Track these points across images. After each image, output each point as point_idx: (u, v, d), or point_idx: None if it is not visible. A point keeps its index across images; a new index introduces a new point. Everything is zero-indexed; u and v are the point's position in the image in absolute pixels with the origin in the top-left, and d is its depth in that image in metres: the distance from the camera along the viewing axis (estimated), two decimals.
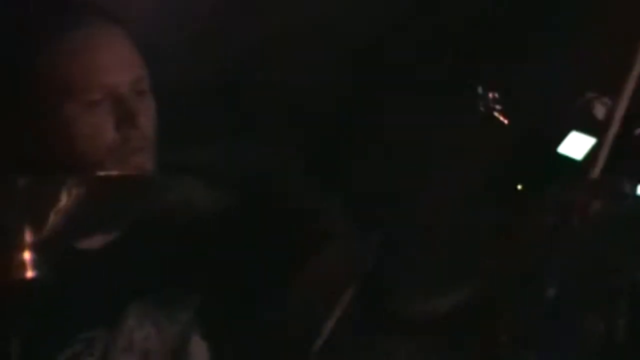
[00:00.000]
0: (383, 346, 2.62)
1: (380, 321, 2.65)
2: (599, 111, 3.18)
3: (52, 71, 2.05)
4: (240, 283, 2.41)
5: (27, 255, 1.66)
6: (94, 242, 2.09)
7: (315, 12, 3.29)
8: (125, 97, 2.07)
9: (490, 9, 3.42)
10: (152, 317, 2.23)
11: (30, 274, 1.66)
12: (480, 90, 3.23)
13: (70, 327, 2.12)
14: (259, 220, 2.52)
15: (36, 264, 1.66)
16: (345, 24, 3.35)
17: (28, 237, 1.66)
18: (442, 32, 3.44)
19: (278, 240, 2.55)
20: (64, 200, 1.71)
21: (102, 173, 2.01)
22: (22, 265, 1.66)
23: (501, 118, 3.23)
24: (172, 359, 2.27)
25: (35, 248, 1.67)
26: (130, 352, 2.20)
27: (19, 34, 2.12)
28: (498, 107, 3.22)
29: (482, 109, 3.22)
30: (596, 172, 2.60)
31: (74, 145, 2.05)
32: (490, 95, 3.22)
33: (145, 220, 2.14)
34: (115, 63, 2.09)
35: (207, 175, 2.34)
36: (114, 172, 2.04)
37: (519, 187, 3.19)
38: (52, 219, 1.69)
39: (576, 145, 3.20)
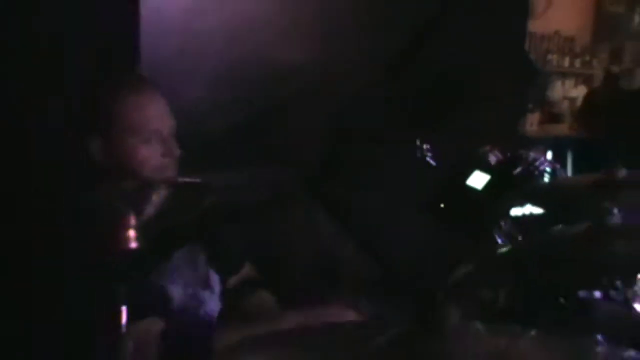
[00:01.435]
0: None
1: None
2: (492, 158, 3.92)
3: (124, 119, 2.48)
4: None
5: (131, 233, 1.84)
6: (175, 221, 2.44)
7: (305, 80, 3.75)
8: (165, 137, 2.53)
9: (428, 91, 4.10)
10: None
11: (133, 245, 1.84)
12: (418, 142, 3.88)
13: (158, 283, 2.55)
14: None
15: (137, 239, 1.85)
16: (327, 89, 3.84)
17: (132, 221, 1.85)
18: (398, 104, 4.08)
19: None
20: (153, 196, 2.10)
21: (177, 180, 2.49)
22: (128, 239, 1.84)
23: (431, 161, 3.87)
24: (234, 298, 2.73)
25: (137, 228, 1.85)
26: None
27: (103, 95, 2.53)
28: (429, 154, 3.87)
29: (419, 154, 3.87)
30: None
31: (136, 164, 2.47)
32: (424, 146, 3.87)
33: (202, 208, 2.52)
34: (159, 116, 2.54)
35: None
36: (183, 180, 2.49)
37: (442, 205, 3.82)
38: (147, 208, 2.04)
39: (478, 180, 3.82)
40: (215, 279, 2.72)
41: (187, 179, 2.48)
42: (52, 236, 2.31)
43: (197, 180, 2.45)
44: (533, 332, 1.77)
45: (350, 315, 2.72)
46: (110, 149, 2.48)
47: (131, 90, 2.54)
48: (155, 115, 2.53)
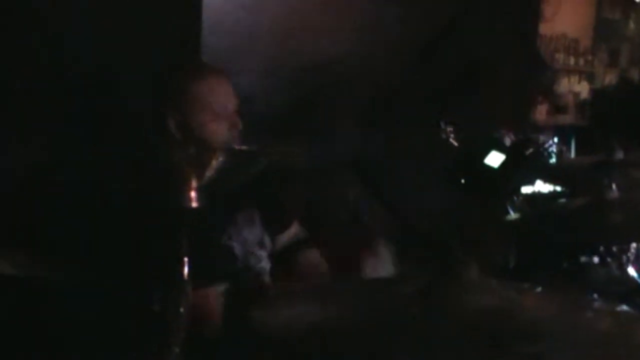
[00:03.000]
0: None
1: None
2: (507, 141, 3.88)
3: (198, 98, 2.50)
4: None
5: (194, 193, 1.82)
6: (232, 184, 2.37)
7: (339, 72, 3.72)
8: (231, 113, 2.54)
9: (452, 81, 4.08)
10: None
11: (195, 204, 1.82)
12: (442, 125, 3.85)
13: (226, 243, 2.56)
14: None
15: (199, 199, 1.82)
16: (362, 77, 3.82)
17: (194, 182, 1.82)
18: (426, 91, 4.03)
19: None
20: (213, 161, 2.01)
21: (234, 147, 2.45)
22: (191, 199, 1.81)
23: (453, 142, 3.84)
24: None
25: (198, 189, 1.83)
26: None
27: (182, 78, 2.54)
28: (452, 135, 3.83)
29: (443, 135, 3.84)
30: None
31: (207, 134, 2.49)
32: (448, 128, 3.83)
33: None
34: (225, 96, 2.55)
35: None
36: (239, 147, 2.48)
37: (462, 181, 3.74)
38: (207, 172, 1.96)
39: (494, 159, 3.74)
40: (267, 239, 2.71)
41: (243, 147, 2.49)
42: (132, 192, 2.33)
43: (252, 148, 2.45)
44: (539, 289, 1.76)
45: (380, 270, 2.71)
46: (185, 125, 2.49)
47: (202, 75, 2.56)
48: (222, 95, 2.54)
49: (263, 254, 2.69)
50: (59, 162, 2.75)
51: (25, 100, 2.87)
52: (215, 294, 2.38)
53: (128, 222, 2.29)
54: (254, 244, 2.66)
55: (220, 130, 2.51)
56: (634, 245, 2.73)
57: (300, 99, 3.65)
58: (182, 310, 1.80)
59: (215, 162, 2.01)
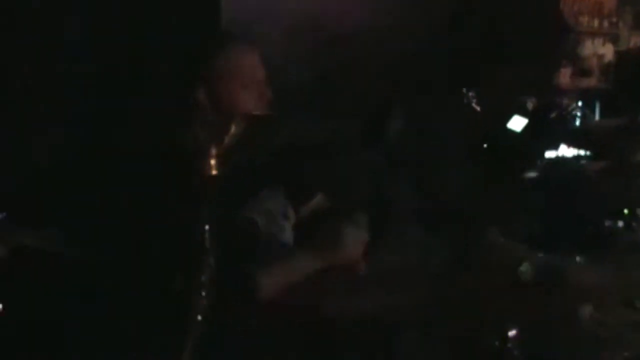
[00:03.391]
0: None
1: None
2: (529, 105, 3.94)
3: (228, 68, 2.51)
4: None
5: (212, 161, 1.83)
6: (252, 151, 2.35)
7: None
8: (260, 83, 2.55)
9: (475, 46, 4.02)
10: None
11: (215, 172, 1.83)
12: (464, 90, 3.88)
13: (247, 215, 2.53)
14: None
15: (217, 167, 1.83)
16: (386, 48, 3.81)
17: (214, 150, 1.84)
18: (445, 55, 4.00)
19: None
20: (232, 128, 1.94)
21: (252, 113, 2.47)
22: (211, 167, 1.83)
23: (476, 107, 3.86)
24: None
25: (218, 157, 1.84)
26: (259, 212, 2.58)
27: (211, 51, 2.55)
28: (475, 100, 3.85)
29: (465, 101, 3.86)
30: None
31: (236, 104, 2.49)
32: (470, 93, 3.87)
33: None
34: (254, 65, 2.56)
35: None
36: (257, 113, 2.49)
37: (485, 145, 3.80)
38: (226, 140, 1.90)
39: (517, 123, 3.84)
40: (291, 210, 2.69)
41: (262, 113, 2.50)
42: (156, 161, 2.36)
43: (271, 113, 2.48)
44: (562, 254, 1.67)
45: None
46: (214, 95, 2.50)
47: (229, 45, 2.59)
48: (250, 65, 2.56)
49: (286, 225, 2.68)
50: (80, 134, 2.79)
51: (57, 77, 2.88)
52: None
53: (149, 191, 2.29)
54: (277, 216, 2.64)
55: (249, 99, 2.52)
56: None
57: (323, 71, 3.64)
58: (204, 281, 1.80)
59: (235, 129, 1.95)
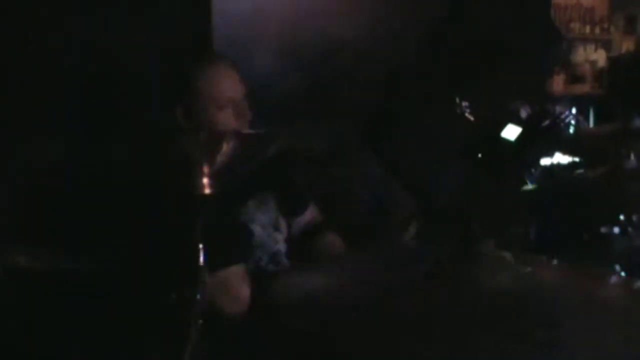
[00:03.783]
0: None
1: None
2: (523, 113, 3.88)
3: (202, 89, 2.49)
4: None
5: (206, 180, 1.85)
6: (244, 168, 2.38)
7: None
8: (238, 102, 2.53)
9: (466, 54, 4.01)
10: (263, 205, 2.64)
11: (208, 190, 1.85)
12: (457, 100, 3.85)
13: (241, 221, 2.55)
14: None
15: (211, 186, 1.85)
16: (379, 57, 3.79)
17: (206, 169, 1.85)
18: (440, 66, 3.99)
19: None
20: (224, 146, 2.04)
21: (243, 131, 2.45)
22: (204, 185, 1.85)
23: (469, 116, 3.84)
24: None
25: (210, 175, 1.85)
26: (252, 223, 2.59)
27: (186, 71, 2.54)
28: (468, 110, 3.84)
29: (458, 110, 3.85)
30: None
31: (214, 123, 2.47)
32: (463, 103, 3.84)
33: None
34: (231, 86, 2.54)
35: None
36: (248, 131, 2.48)
37: (479, 155, 3.74)
38: (218, 158, 1.94)
39: (511, 132, 3.78)
40: (283, 222, 2.70)
41: (253, 130, 2.49)
42: (145, 181, 2.35)
43: (262, 131, 2.46)
44: (556, 262, 1.65)
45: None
46: (191, 115, 2.50)
47: (207, 66, 2.56)
48: (227, 86, 2.53)
49: (279, 236, 2.69)
50: (71, 155, 2.76)
51: (35, 95, 2.86)
52: (239, 273, 2.35)
53: (142, 212, 2.28)
54: (268, 226, 2.65)
55: (227, 119, 2.51)
56: None
57: (315, 81, 3.62)
58: (198, 297, 1.81)
59: (227, 147, 1.97)
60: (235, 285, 2.30)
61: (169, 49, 2.95)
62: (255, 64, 3.29)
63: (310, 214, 2.83)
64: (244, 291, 2.31)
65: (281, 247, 2.68)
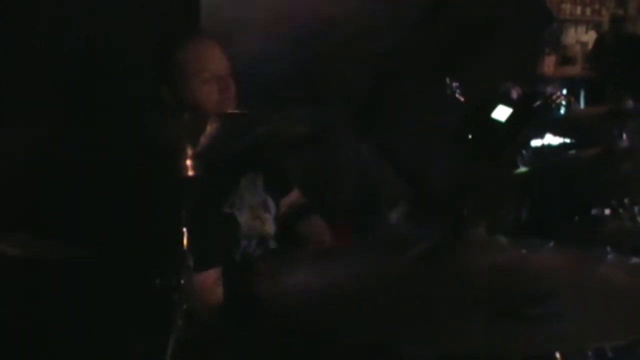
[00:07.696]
0: None
1: None
2: (514, 94, 3.86)
3: (186, 64, 2.51)
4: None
5: (189, 162, 1.85)
6: (229, 149, 2.37)
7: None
8: (222, 76, 2.53)
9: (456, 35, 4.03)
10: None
11: (191, 172, 1.85)
12: (448, 81, 3.86)
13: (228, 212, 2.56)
14: None
15: (194, 167, 1.85)
16: (369, 38, 3.75)
17: (190, 150, 1.85)
18: (430, 48, 4.01)
19: None
20: (207, 127, 1.95)
21: (227, 112, 2.44)
22: (188, 167, 1.85)
23: (459, 97, 3.86)
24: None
25: (192, 157, 1.86)
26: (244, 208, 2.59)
27: (171, 47, 2.56)
28: (458, 91, 3.85)
29: (449, 92, 3.86)
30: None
31: (199, 100, 2.48)
32: (454, 84, 3.86)
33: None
34: (214, 60, 2.55)
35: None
36: (232, 111, 2.47)
37: (470, 136, 3.77)
38: (202, 140, 1.92)
39: (501, 113, 3.81)
40: (271, 202, 2.71)
41: (237, 111, 2.48)
42: (129, 164, 2.33)
43: (246, 112, 2.43)
44: (550, 244, 1.69)
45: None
46: (176, 91, 2.51)
47: (191, 41, 2.59)
48: (211, 60, 2.55)
49: (268, 216, 2.69)
50: (57, 140, 2.72)
51: (15, 75, 2.82)
52: (216, 276, 2.35)
53: (125, 195, 2.26)
54: (258, 207, 2.66)
55: (211, 94, 2.50)
56: None
57: (303, 62, 3.61)
58: (182, 282, 1.79)
59: (210, 128, 1.94)
60: (208, 290, 2.30)
61: (155, 28, 2.95)
62: (242, 44, 3.23)
63: (294, 195, 2.84)
64: (217, 295, 2.32)
65: (269, 227, 2.68)
